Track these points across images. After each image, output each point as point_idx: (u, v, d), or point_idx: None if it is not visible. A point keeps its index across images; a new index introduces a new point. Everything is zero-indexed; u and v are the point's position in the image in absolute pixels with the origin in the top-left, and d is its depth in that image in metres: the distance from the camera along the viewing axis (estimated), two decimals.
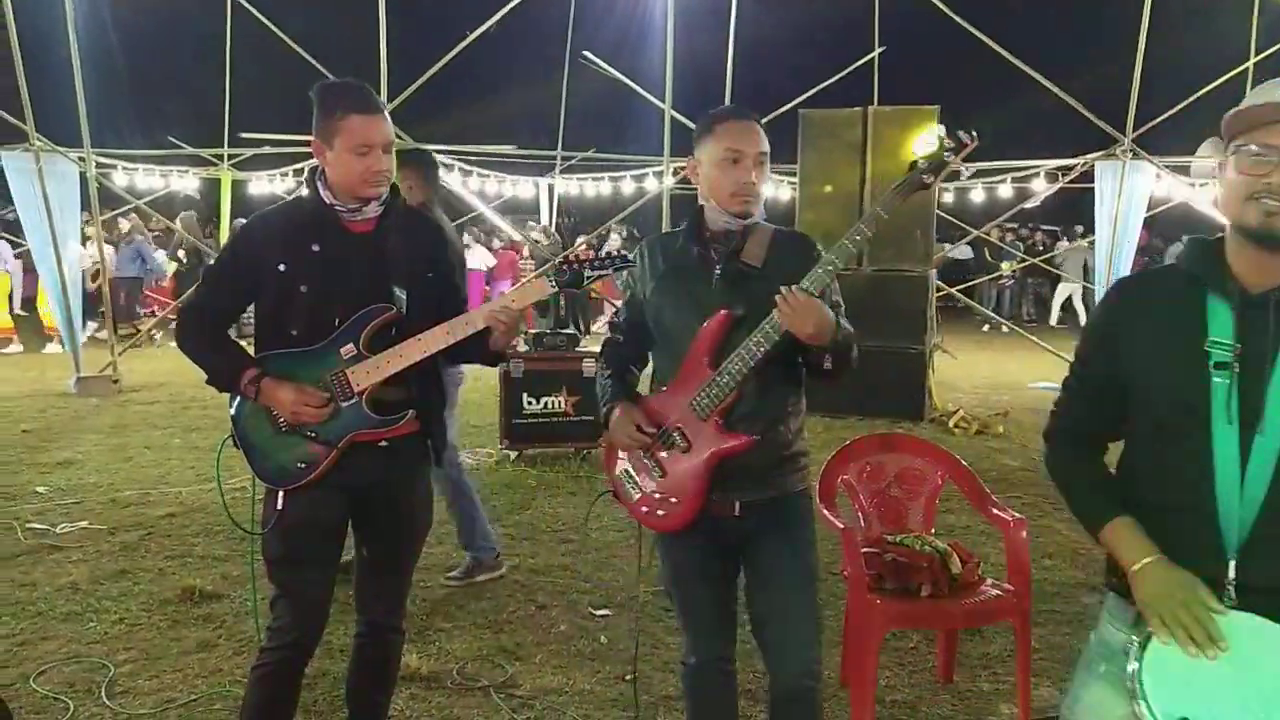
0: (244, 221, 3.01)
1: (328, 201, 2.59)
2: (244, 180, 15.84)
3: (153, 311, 13.94)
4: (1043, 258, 16.89)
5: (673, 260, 2.53)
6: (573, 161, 16.95)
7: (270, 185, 15.62)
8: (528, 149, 16.08)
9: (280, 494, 2.60)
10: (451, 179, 14.52)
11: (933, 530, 3.62)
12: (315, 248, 2.56)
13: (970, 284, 15.38)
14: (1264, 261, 1.72)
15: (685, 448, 2.42)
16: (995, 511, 3.49)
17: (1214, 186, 4.15)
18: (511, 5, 10.84)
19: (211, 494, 5.80)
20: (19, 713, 3.25)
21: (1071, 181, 12.06)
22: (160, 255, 14.74)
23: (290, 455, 2.58)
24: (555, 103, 16.88)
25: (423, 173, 4.54)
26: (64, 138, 9.99)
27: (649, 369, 2.66)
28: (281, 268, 2.54)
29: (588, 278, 2.64)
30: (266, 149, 14.69)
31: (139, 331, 12.82)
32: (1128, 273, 10.09)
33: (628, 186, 16.23)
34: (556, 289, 2.66)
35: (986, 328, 16.04)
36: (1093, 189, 10.70)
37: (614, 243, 15.46)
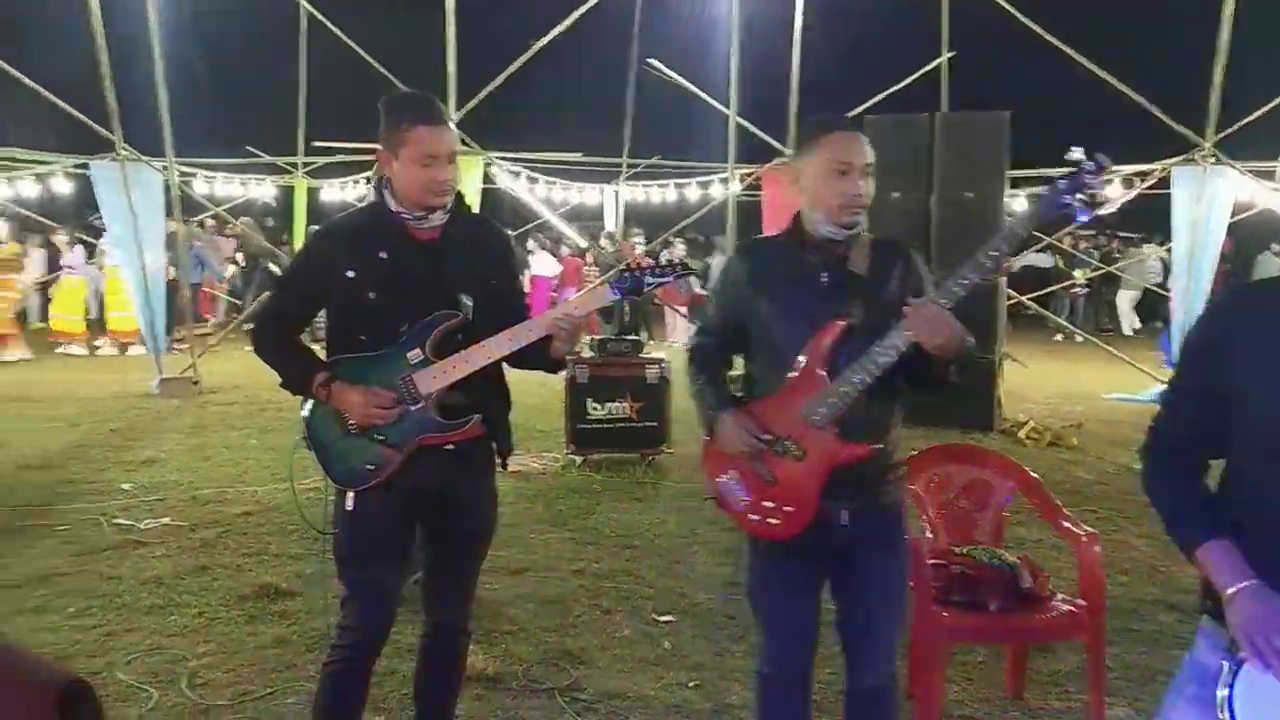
0: (315, 229, 3.09)
1: (394, 210, 2.66)
2: (317, 187, 16.24)
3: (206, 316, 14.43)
4: (1116, 265, 16.49)
5: (773, 266, 2.54)
6: (638, 168, 17.04)
7: (342, 192, 15.98)
8: (594, 156, 16.20)
9: (350, 495, 2.67)
10: (518, 186, 14.69)
11: (1002, 543, 3.57)
12: (383, 255, 2.63)
13: (1043, 292, 15.06)
14: None
15: (800, 455, 2.42)
16: (1066, 525, 3.43)
17: None
18: (579, 13, 10.93)
19: (286, 494, 5.94)
20: (106, 700, 3.38)
21: (1150, 187, 11.75)
22: (217, 260, 15.17)
23: (359, 457, 2.64)
24: (621, 110, 16.99)
25: None
26: (148, 147, 10.35)
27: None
28: (350, 274, 2.61)
29: (647, 284, 2.68)
30: (339, 157, 15.04)
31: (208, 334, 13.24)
32: (1208, 282, 9.82)
33: (693, 193, 16.26)
34: (617, 296, 2.70)
35: (1059, 337, 15.70)
36: (1171, 194, 10.40)
37: (678, 250, 15.47)
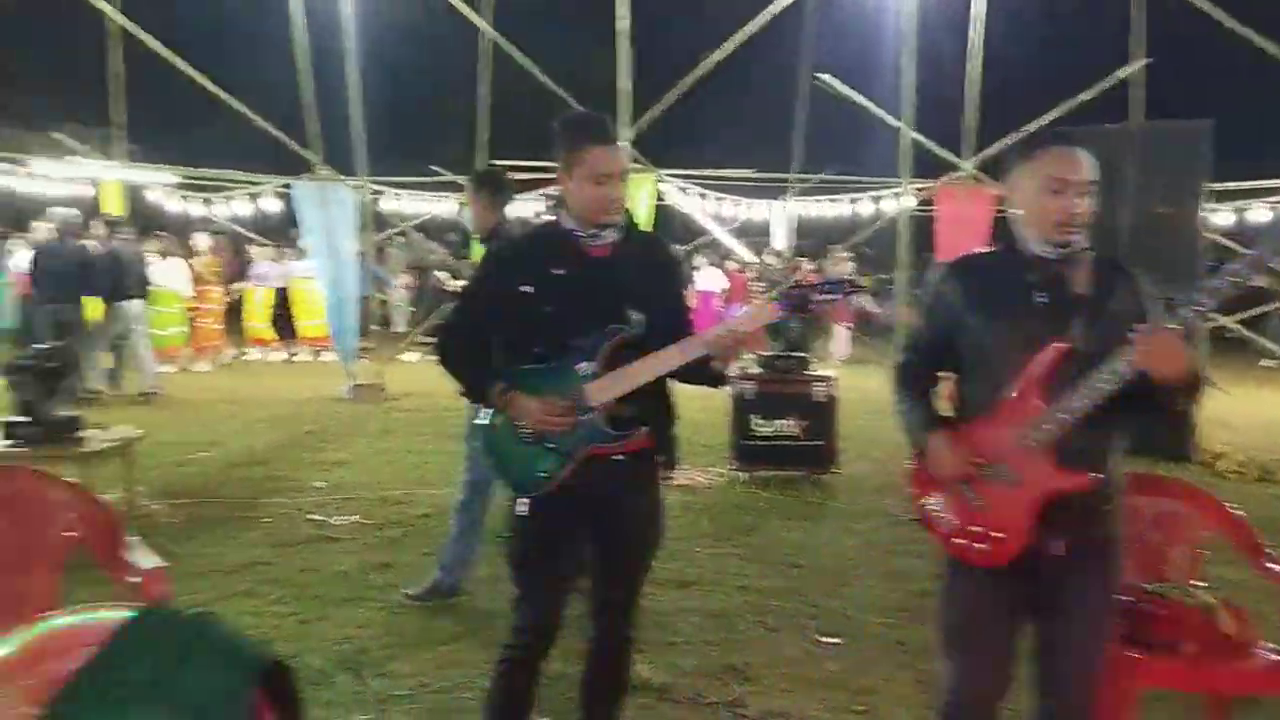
0: (495, 246, 3.24)
1: (568, 227, 2.76)
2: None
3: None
4: None
5: (987, 284, 2.47)
6: (808, 183, 16.88)
7: (521, 209, 16.55)
8: (763, 172, 16.17)
9: (522, 501, 2.77)
10: (688, 202, 14.83)
11: (1198, 583, 3.34)
12: (558, 271, 2.72)
13: (1251, 313, 13.92)
14: None
15: (1015, 481, 2.37)
16: (1272, 567, 3.18)
17: None
18: (752, 29, 10.97)
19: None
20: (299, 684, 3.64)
21: None
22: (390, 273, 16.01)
23: (532, 465, 2.74)
24: (789, 124, 16.89)
25: (490, 195, 4.51)
26: (343, 167, 11.07)
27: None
28: (527, 290, 2.72)
29: (814, 302, 2.67)
30: (516, 175, 15.60)
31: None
32: None
33: (864, 208, 15.96)
34: (784, 313, 2.71)
35: (1268, 362, 14.51)
36: None
37: (845, 267, 15.22)
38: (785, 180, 16.74)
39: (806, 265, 14.70)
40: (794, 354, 7.42)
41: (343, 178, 10.91)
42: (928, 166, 12.47)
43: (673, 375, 2.73)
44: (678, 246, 10.65)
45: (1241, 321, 12.45)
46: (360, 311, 11.30)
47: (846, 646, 4.21)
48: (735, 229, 16.81)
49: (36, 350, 5.57)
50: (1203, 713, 3.49)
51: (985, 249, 2.63)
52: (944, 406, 2.57)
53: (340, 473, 7.20)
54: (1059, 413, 2.29)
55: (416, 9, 15.53)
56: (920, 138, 11.50)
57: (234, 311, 14.92)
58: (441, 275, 14.72)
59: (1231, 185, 11.00)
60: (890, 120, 12.48)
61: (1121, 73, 12.60)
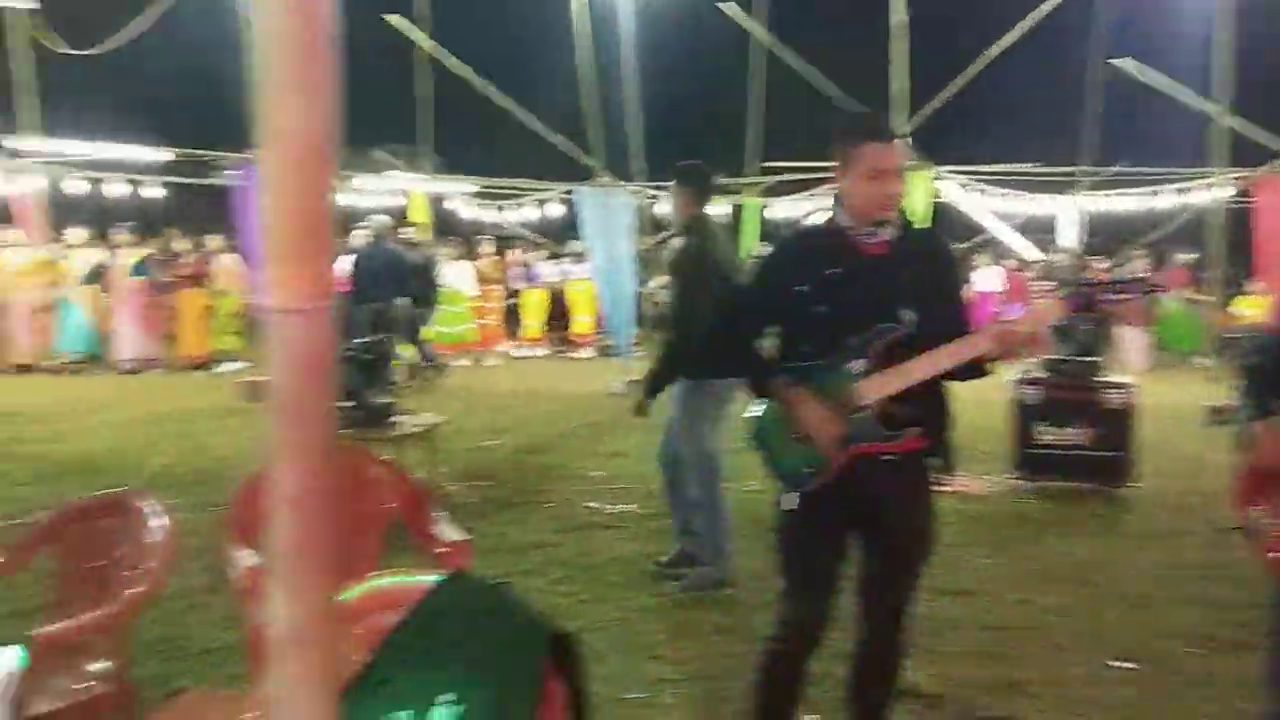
0: (773, 245, 3.29)
1: (845, 226, 2.75)
2: (766, 205, 16.96)
3: None
4: None
5: None
6: (1099, 176, 15.66)
7: (792, 210, 16.53)
8: (1049, 166, 15.19)
9: (790, 496, 2.79)
10: (966, 199, 14.19)
11: None
12: (833, 270, 2.72)
13: None
14: None
15: None
16: None
17: None
18: (1034, 19, 10.34)
19: (732, 491, 6.34)
20: None
21: None
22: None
23: (800, 460, 2.75)
24: (1077, 114, 15.76)
25: (692, 190, 4.54)
26: (619, 173, 11.57)
27: None
28: (802, 289, 2.73)
29: (1104, 302, 2.51)
30: (786, 176, 15.61)
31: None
32: None
33: (1165, 201, 14.58)
34: (1070, 314, 2.57)
35: None
36: None
37: (1136, 265, 13.97)
38: (1073, 174, 15.62)
39: (1099, 263, 13.64)
40: (1085, 358, 6.91)
41: (622, 183, 11.40)
42: (1245, 154, 11.21)
43: (947, 375, 2.67)
44: (956, 245, 10.23)
45: None
46: (635, 310, 11.75)
47: (1144, 674, 3.89)
48: (1017, 225, 15.89)
49: (358, 343, 6.25)
50: None
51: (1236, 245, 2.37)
52: None
53: (616, 464, 7.52)
54: None
55: (690, 17, 15.91)
56: (1238, 123, 10.37)
57: (513, 310, 15.91)
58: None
59: None
60: (1201, 105, 11.34)
61: None
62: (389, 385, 6.47)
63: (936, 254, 2.87)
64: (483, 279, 14.50)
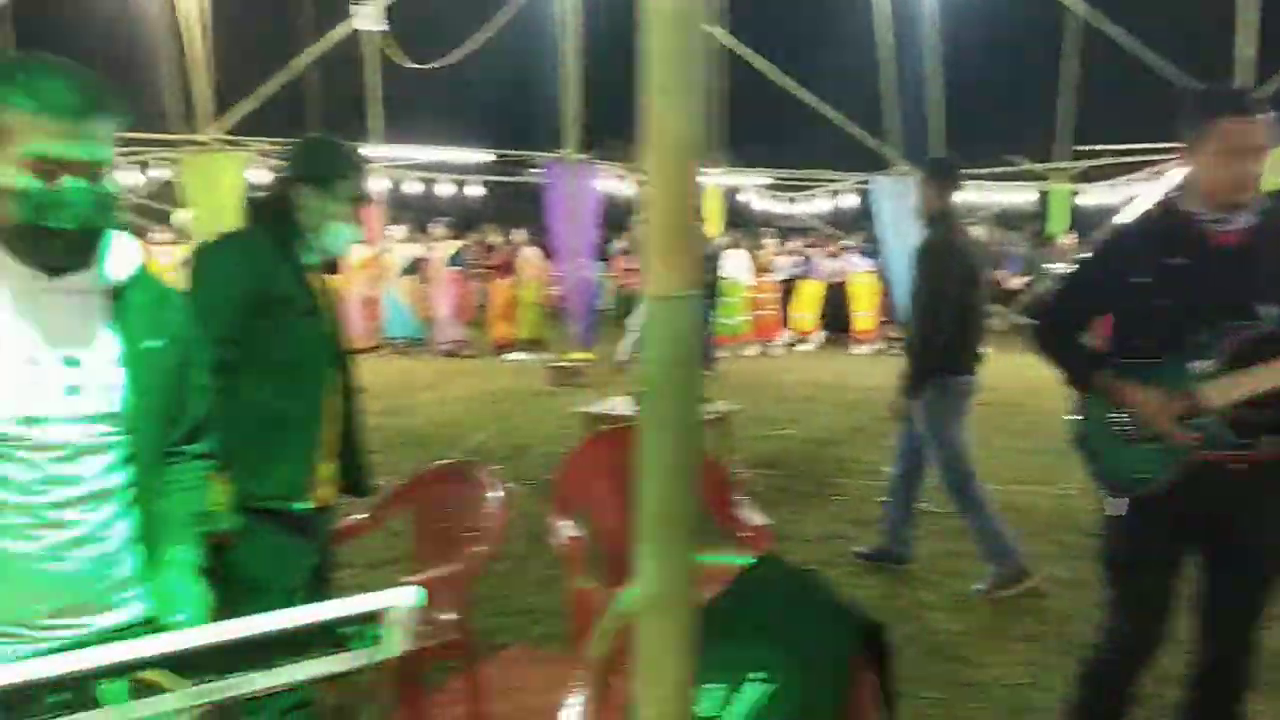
0: (1107, 232, 3.07)
1: (1193, 210, 2.52)
2: (1077, 191, 15.81)
3: None
4: None
5: None
6: None
7: (1106, 196, 15.31)
8: None
9: (1117, 502, 2.61)
10: None
11: None
12: (1177, 260, 2.50)
13: None
14: None
15: None
16: None
17: None
18: None
19: (1031, 496, 5.99)
20: None
21: None
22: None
23: (1129, 464, 2.57)
24: None
25: (940, 182, 4.48)
26: (919, 162, 11.18)
27: None
28: (1140, 280, 2.54)
29: None
30: (1100, 160, 14.45)
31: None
32: None
33: None
34: None
35: None
36: None
37: None
38: None
39: None
40: None
41: (920, 172, 11.05)
42: None
43: None
44: None
45: None
46: None
47: None
48: None
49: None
50: None
51: None
52: None
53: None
54: None
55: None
56: None
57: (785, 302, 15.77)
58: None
59: None
60: None
61: None
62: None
63: None
64: (760, 270, 14.51)
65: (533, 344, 13.68)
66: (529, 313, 13.90)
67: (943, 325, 4.50)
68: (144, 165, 11.26)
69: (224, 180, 9.55)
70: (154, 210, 12.62)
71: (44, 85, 1.50)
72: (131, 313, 1.66)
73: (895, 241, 10.92)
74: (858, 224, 16.44)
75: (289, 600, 1.96)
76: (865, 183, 11.05)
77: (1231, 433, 2.45)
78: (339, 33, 10.97)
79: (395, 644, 1.25)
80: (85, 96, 1.52)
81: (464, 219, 16.69)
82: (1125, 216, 4.98)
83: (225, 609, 1.58)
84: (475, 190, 17.68)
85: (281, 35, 16.64)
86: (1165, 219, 2.63)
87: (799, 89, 11.61)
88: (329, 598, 1.70)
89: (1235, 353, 2.44)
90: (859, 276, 14.68)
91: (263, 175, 12.13)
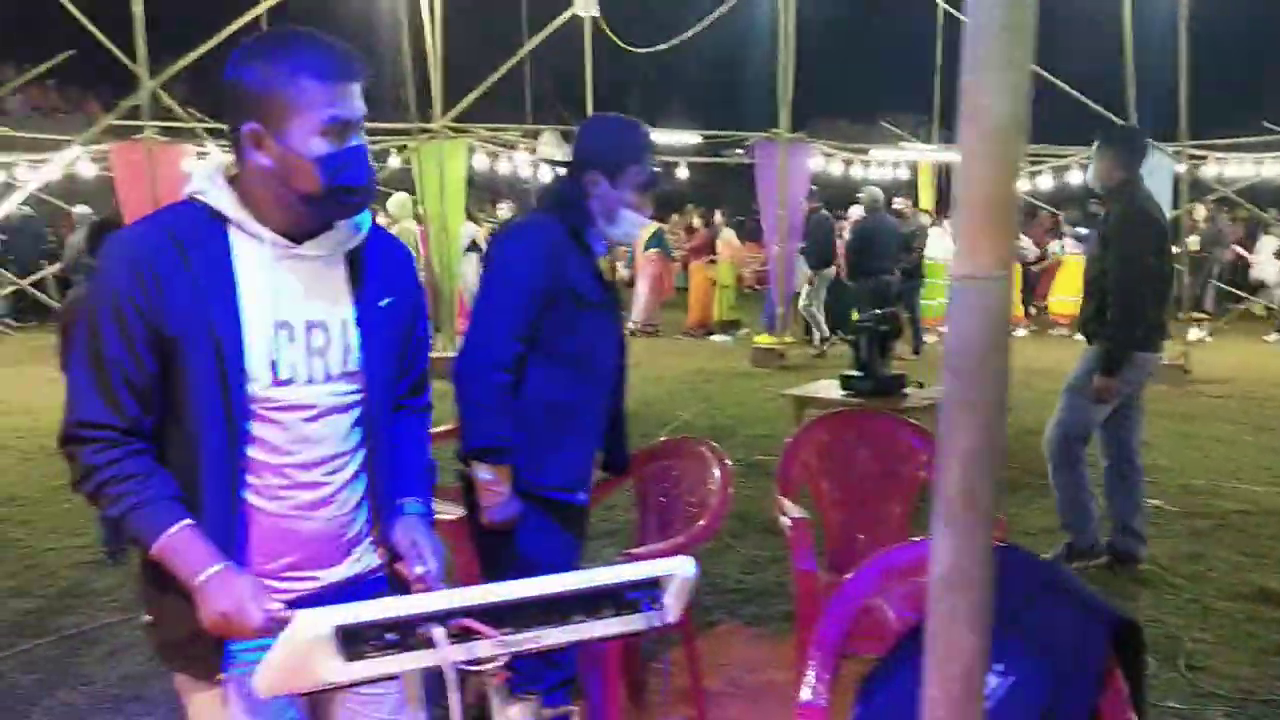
0: None
1: None
2: None
3: None
4: None
5: None
6: None
7: None
8: None
9: None
10: None
11: None
12: None
13: None
14: None
15: None
16: None
17: None
18: None
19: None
20: None
21: None
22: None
23: None
24: None
25: (1118, 152, 4.31)
26: (1159, 132, 10.34)
27: None
28: None
29: None
30: None
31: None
32: None
33: None
34: None
35: None
36: None
37: None
38: None
39: None
40: None
41: (1160, 145, 10.21)
42: None
43: None
44: None
45: None
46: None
47: None
48: None
49: (872, 315, 6.38)
50: None
51: None
52: None
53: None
54: None
55: None
56: None
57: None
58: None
59: None
60: None
61: None
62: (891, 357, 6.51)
63: None
64: None
65: (729, 325, 13.73)
66: (726, 294, 13.93)
67: (1145, 299, 4.37)
68: (384, 154, 12.03)
69: (451, 165, 10.07)
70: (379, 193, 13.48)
71: (321, 55, 1.59)
72: (366, 273, 1.73)
73: None
74: (1085, 201, 15.45)
75: None
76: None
77: None
78: (559, 20, 11.30)
79: (675, 609, 1.30)
80: (350, 60, 1.62)
81: (665, 201, 16.88)
82: None
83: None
84: (680, 172, 17.85)
85: (496, 22, 17.32)
86: None
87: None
88: None
89: None
90: (1069, 259, 13.86)
91: (481, 160, 12.76)
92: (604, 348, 2.52)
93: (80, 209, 12.70)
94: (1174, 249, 9.73)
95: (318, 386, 1.66)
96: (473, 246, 11.41)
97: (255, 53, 1.61)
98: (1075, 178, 14.54)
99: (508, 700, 1.22)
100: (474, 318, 2.47)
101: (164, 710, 3.38)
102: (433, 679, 1.19)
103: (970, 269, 0.90)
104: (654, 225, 14.46)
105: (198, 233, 1.61)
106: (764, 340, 11.37)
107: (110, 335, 1.56)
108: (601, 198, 2.45)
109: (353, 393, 1.71)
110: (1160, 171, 10.02)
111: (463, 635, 1.13)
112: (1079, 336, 5.11)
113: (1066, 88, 10.86)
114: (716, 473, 3.08)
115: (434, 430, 2.01)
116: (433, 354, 2.07)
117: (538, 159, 12.80)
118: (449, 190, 10.05)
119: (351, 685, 1.14)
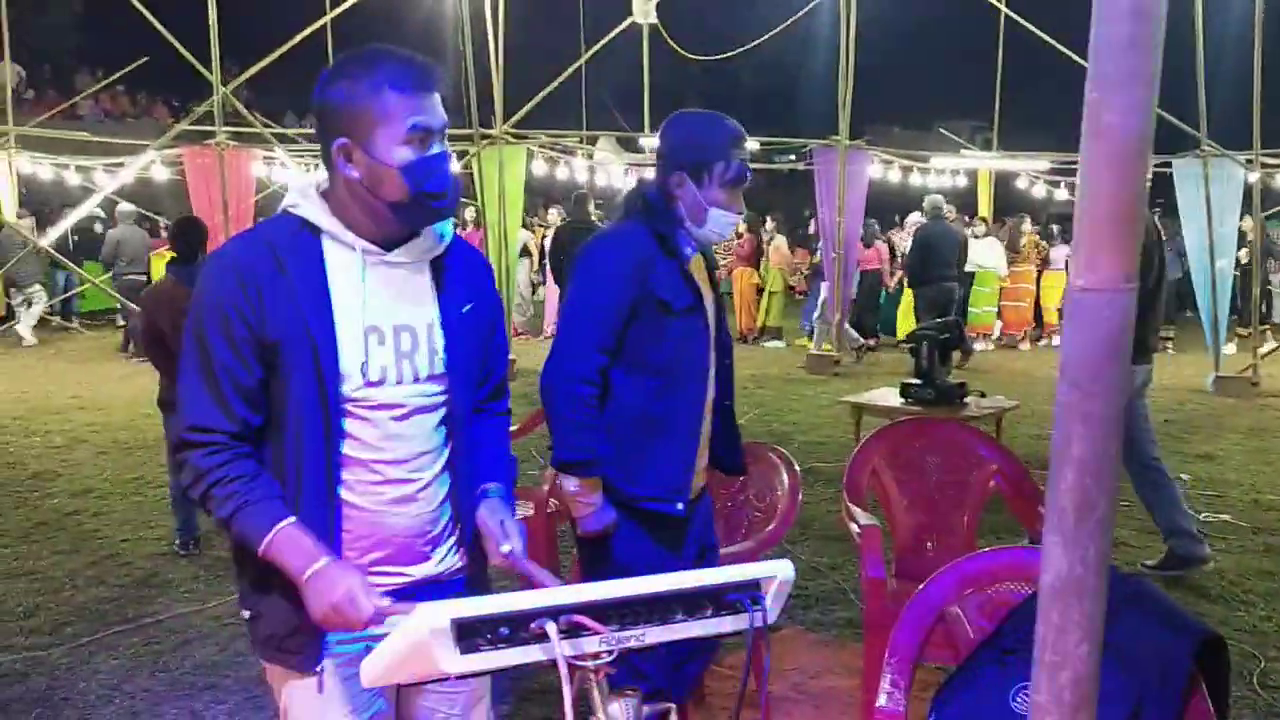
0: None
1: None
2: None
3: None
4: None
5: None
6: None
7: None
8: None
9: None
10: None
11: None
12: None
13: None
14: None
15: None
16: None
17: None
18: None
19: None
20: None
21: None
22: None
23: None
24: None
25: None
26: (1231, 142, 10.10)
27: None
28: None
29: None
30: None
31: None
32: None
33: None
34: None
35: None
36: None
37: None
38: None
39: None
40: None
41: (1232, 153, 9.97)
42: None
43: None
44: None
45: None
46: (1230, 299, 10.31)
47: None
48: None
49: (934, 323, 6.34)
50: None
51: None
52: None
53: (1204, 467, 6.76)
54: None
55: None
56: None
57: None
58: None
59: None
60: None
61: None
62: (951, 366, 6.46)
63: None
64: (1023, 258, 13.53)
65: (777, 332, 13.66)
66: (775, 301, 13.87)
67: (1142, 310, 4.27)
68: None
69: (510, 171, 10.19)
70: None
71: (401, 68, 1.65)
72: (449, 279, 1.79)
73: (1195, 229, 9.97)
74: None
75: None
76: (1166, 165, 9.98)
77: None
78: (619, 28, 11.38)
79: (775, 611, 1.32)
80: (429, 71, 1.68)
81: None
82: None
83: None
84: None
85: (555, 30, 17.46)
86: None
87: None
88: None
89: None
90: None
91: (540, 166, 12.86)
92: (695, 353, 2.45)
93: (124, 206, 12.83)
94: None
95: (406, 387, 1.72)
96: (524, 252, 11.48)
97: (340, 73, 1.68)
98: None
99: (609, 696, 1.25)
100: (559, 330, 2.47)
101: (237, 699, 3.48)
102: (499, 679, 1.23)
103: (1090, 282, 0.91)
104: None
105: (293, 243, 1.69)
106: (826, 347, 11.35)
107: (218, 343, 1.64)
108: (688, 198, 2.38)
109: (438, 394, 1.77)
110: (1232, 181, 9.80)
111: (571, 631, 1.16)
112: None
113: None
114: (785, 478, 3.09)
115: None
116: None
117: (594, 164, 12.87)
118: (508, 196, 10.16)
119: (461, 677, 1.17)
